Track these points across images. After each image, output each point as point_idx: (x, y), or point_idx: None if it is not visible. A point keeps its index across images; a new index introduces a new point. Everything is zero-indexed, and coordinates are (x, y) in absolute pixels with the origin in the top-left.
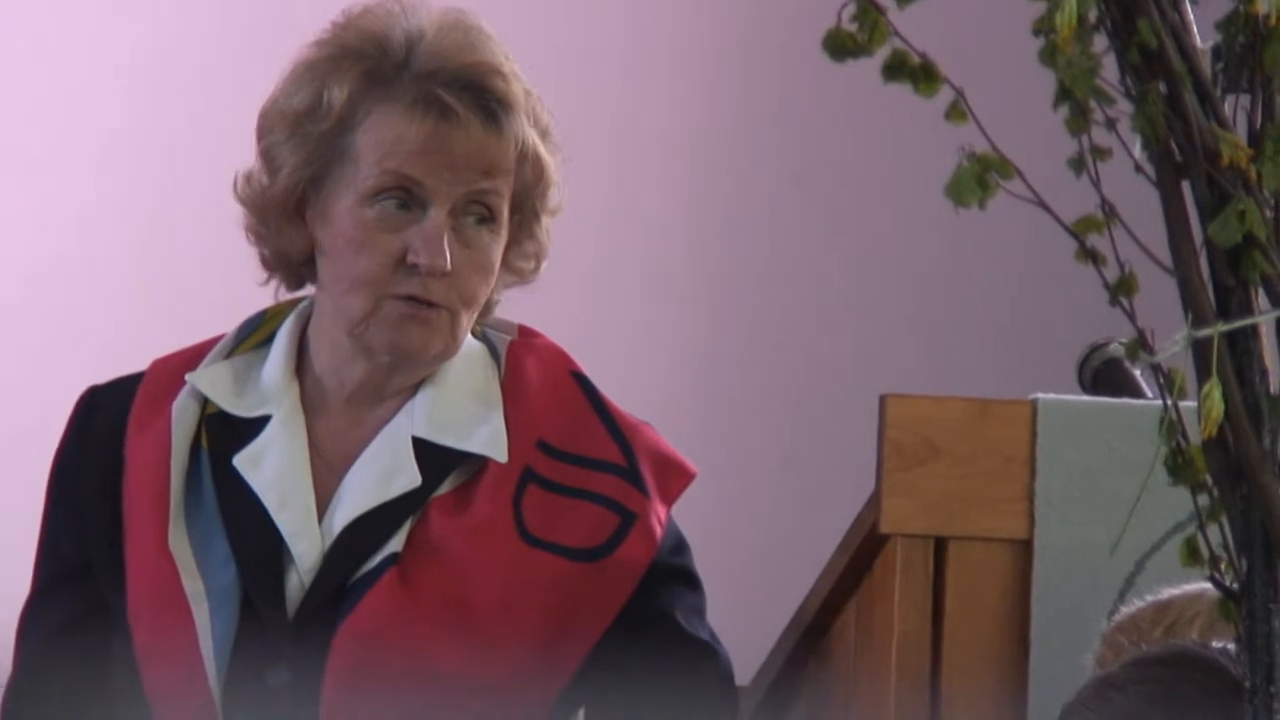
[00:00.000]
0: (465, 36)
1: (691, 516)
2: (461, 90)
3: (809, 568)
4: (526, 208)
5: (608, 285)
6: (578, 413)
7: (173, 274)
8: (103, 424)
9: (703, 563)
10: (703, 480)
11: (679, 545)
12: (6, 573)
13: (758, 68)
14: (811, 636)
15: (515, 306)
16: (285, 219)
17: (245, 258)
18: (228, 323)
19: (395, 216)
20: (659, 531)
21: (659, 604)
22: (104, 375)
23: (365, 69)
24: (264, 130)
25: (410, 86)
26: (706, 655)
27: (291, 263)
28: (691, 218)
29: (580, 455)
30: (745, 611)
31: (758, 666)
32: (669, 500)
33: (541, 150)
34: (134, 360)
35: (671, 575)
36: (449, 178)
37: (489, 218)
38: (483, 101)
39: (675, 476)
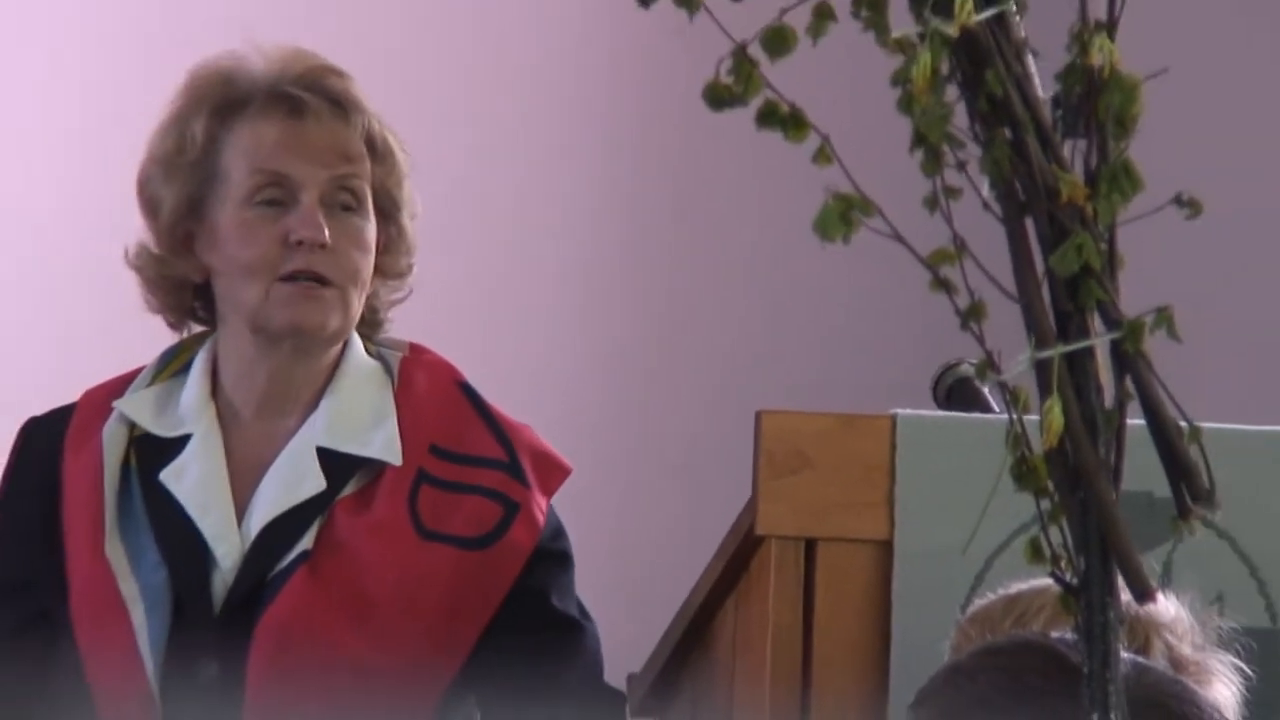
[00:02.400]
0: (300, 54)
1: (588, 520)
2: (306, 88)
3: (693, 566)
4: (386, 201)
5: (512, 312)
6: (463, 417)
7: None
8: (39, 451)
9: (599, 560)
10: (598, 487)
11: (557, 531)
12: None
13: (652, 117)
14: (695, 628)
15: (417, 328)
16: (175, 254)
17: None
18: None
19: (272, 211)
20: (540, 519)
21: (535, 586)
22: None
23: (216, 102)
24: (142, 184)
25: (259, 97)
26: (576, 628)
27: (187, 310)
28: (587, 248)
29: (467, 454)
30: (636, 605)
31: (648, 654)
32: (548, 492)
33: (392, 142)
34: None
35: (549, 558)
36: (312, 165)
37: (354, 204)
38: (327, 95)
39: (554, 471)
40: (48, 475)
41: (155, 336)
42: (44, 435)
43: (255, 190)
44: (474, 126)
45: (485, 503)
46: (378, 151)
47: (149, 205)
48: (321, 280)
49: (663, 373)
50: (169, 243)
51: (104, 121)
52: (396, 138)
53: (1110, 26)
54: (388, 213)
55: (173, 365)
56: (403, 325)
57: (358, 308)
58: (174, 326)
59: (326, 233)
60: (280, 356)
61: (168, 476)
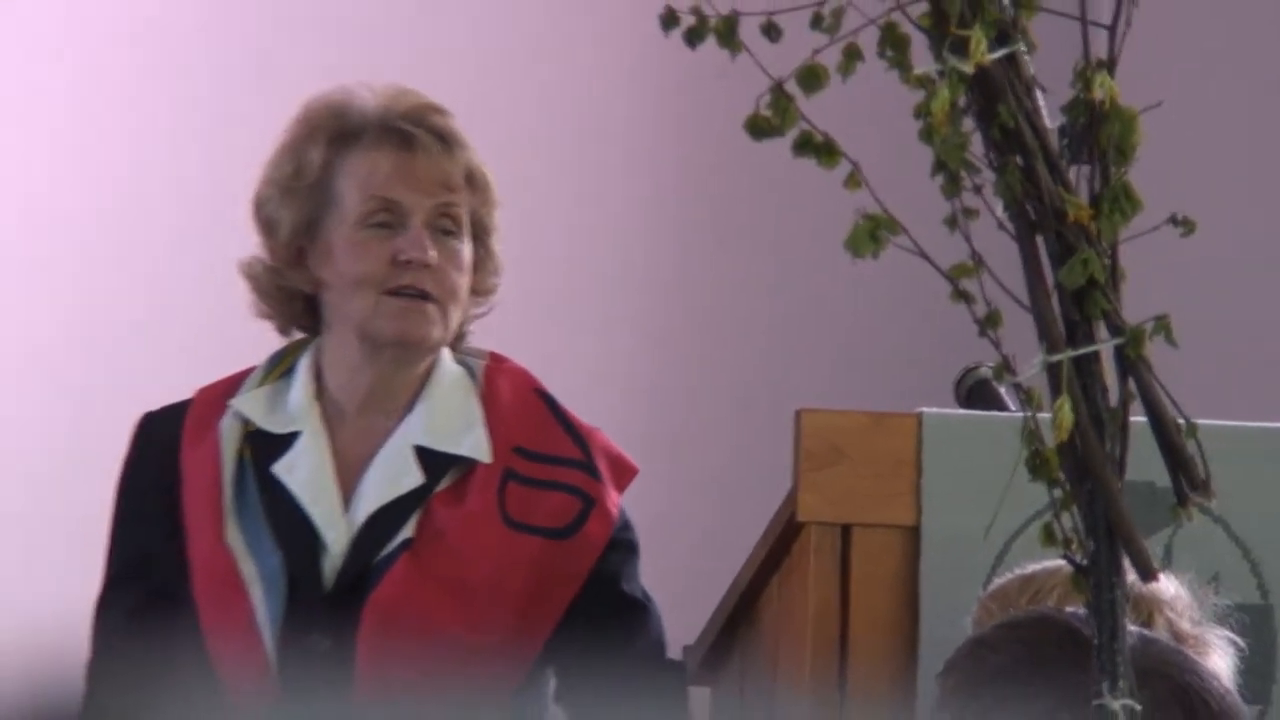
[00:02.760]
0: (408, 92)
1: (648, 511)
2: (415, 124)
3: (740, 551)
4: (480, 227)
5: (570, 322)
6: (543, 421)
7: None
8: (158, 442)
9: (656, 548)
10: (656, 481)
11: (626, 523)
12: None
13: (697, 146)
14: (743, 605)
15: (486, 341)
16: (289, 268)
17: None
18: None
19: (383, 233)
20: (614, 513)
21: (609, 570)
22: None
23: (331, 132)
24: (259, 206)
25: (372, 130)
26: (641, 609)
27: (293, 310)
28: (641, 268)
29: (547, 454)
30: (690, 586)
31: (699, 631)
32: (620, 489)
33: (486, 175)
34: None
35: (620, 547)
36: (419, 194)
37: (455, 229)
38: (434, 131)
39: (625, 471)
40: (167, 465)
41: (259, 341)
42: (162, 428)
43: (369, 214)
44: (532, 150)
45: (566, 498)
46: (475, 183)
47: (266, 224)
48: (426, 296)
49: (708, 376)
50: (284, 258)
51: (217, 124)
52: (489, 171)
53: (1110, 64)
54: (480, 237)
55: (279, 367)
56: (486, 338)
57: (455, 321)
58: (281, 331)
59: (432, 254)
60: (383, 363)
61: (280, 469)
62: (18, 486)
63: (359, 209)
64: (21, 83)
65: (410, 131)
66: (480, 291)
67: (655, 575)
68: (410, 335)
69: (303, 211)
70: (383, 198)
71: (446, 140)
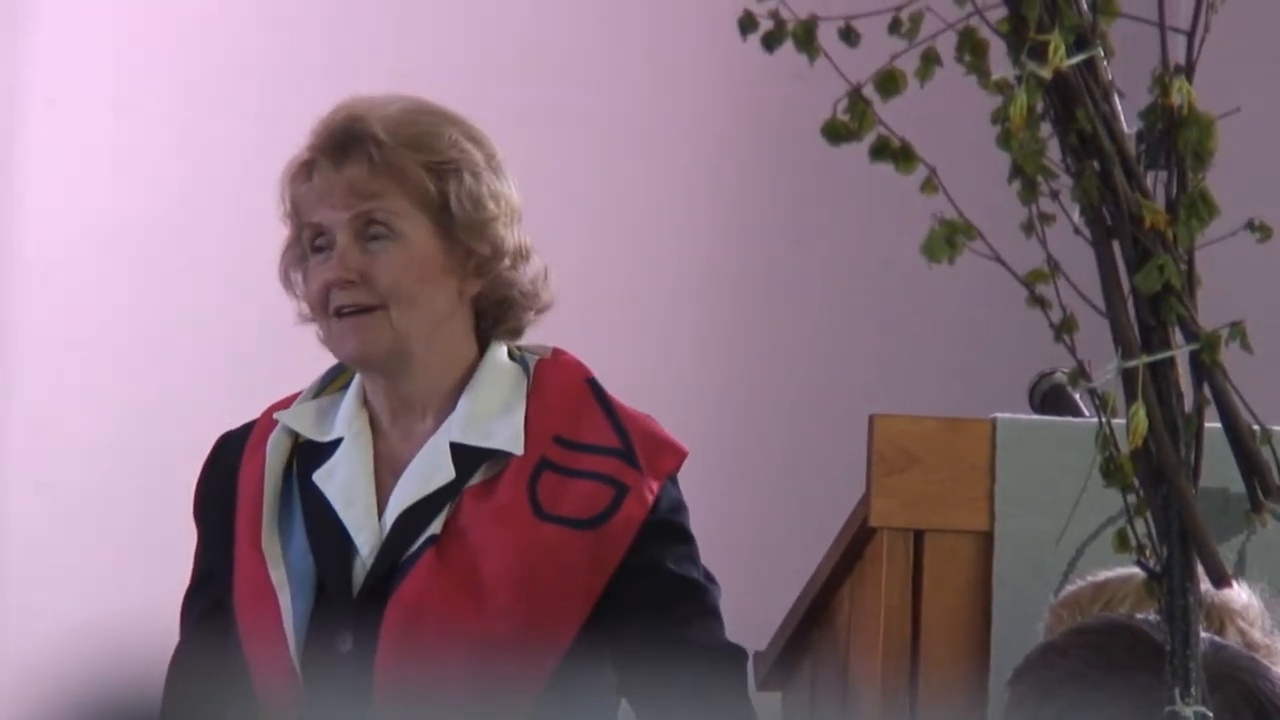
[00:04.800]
0: (340, 108)
1: (724, 514)
2: (319, 146)
3: (814, 555)
4: (445, 215)
5: (634, 324)
6: (586, 409)
7: None
8: (225, 461)
9: (732, 552)
10: (725, 485)
11: (675, 507)
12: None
13: (765, 148)
14: (815, 610)
15: (560, 342)
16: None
17: None
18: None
19: (323, 256)
20: (650, 498)
21: (651, 556)
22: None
23: (289, 172)
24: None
25: (303, 160)
26: (697, 589)
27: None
28: (708, 270)
29: (584, 443)
30: (763, 588)
31: (771, 634)
32: (661, 473)
33: (418, 163)
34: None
35: (661, 530)
36: (334, 209)
37: (387, 232)
38: (335, 145)
39: (666, 453)
40: (227, 482)
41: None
42: (230, 448)
43: (309, 243)
44: (599, 150)
45: (598, 486)
46: (408, 177)
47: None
48: (363, 309)
49: (781, 380)
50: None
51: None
52: (461, 146)
53: (1188, 70)
54: (451, 221)
55: (338, 381)
56: (540, 334)
57: (410, 321)
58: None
59: (350, 268)
60: (376, 381)
61: (320, 476)
62: (74, 480)
63: (304, 242)
64: (77, 80)
65: (309, 157)
66: (499, 281)
67: (722, 580)
68: (355, 354)
69: (294, 234)
70: (312, 224)
71: (346, 149)
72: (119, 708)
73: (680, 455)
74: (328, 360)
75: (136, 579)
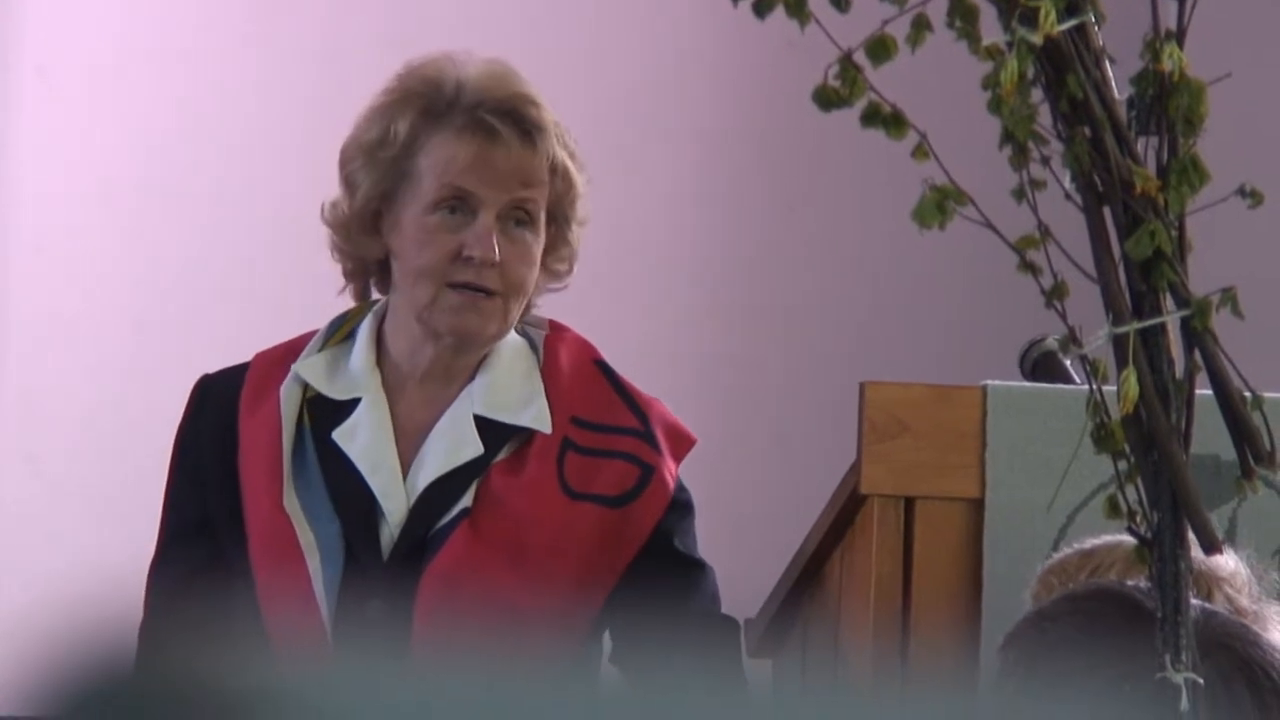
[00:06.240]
0: (504, 77)
1: (706, 483)
2: (503, 116)
3: (804, 522)
4: (560, 216)
5: (625, 294)
6: (601, 391)
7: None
8: (216, 406)
9: (722, 519)
10: (721, 454)
11: (681, 485)
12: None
13: (758, 121)
14: (806, 577)
15: (550, 311)
16: (363, 231)
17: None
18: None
19: (452, 221)
20: (671, 482)
21: (666, 538)
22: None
23: (422, 106)
24: (345, 161)
25: (459, 116)
26: (697, 568)
27: (367, 270)
28: (698, 238)
29: (605, 424)
30: (754, 556)
31: (762, 601)
32: (678, 459)
33: (570, 166)
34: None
35: (675, 508)
36: (494, 187)
37: (528, 221)
38: (520, 124)
39: (682, 441)
40: (225, 428)
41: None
42: (220, 392)
43: (440, 200)
44: (585, 122)
45: (625, 466)
46: (558, 175)
47: (348, 182)
48: (487, 292)
49: (774, 349)
50: (360, 217)
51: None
52: (577, 159)
53: (1179, 35)
54: (559, 226)
55: (340, 332)
56: (547, 309)
57: (517, 314)
58: (348, 276)
59: (497, 251)
60: (441, 348)
61: (340, 436)
62: (65, 452)
63: (432, 193)
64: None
65: (494, 124)
66: (553, 272)
67: (713, 548)
68: (466, 330)
69: (382, 181)
70: (457, 186)
71: (531, 134)
72: (99, 674)
73: (692, 442)
74: (316, 325)
75: (119, 547)
